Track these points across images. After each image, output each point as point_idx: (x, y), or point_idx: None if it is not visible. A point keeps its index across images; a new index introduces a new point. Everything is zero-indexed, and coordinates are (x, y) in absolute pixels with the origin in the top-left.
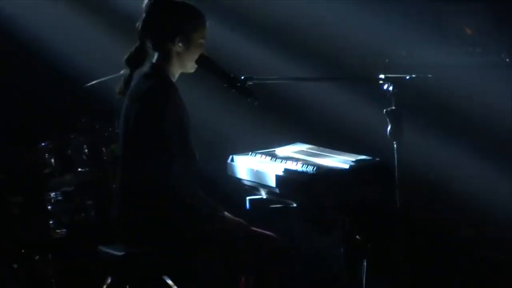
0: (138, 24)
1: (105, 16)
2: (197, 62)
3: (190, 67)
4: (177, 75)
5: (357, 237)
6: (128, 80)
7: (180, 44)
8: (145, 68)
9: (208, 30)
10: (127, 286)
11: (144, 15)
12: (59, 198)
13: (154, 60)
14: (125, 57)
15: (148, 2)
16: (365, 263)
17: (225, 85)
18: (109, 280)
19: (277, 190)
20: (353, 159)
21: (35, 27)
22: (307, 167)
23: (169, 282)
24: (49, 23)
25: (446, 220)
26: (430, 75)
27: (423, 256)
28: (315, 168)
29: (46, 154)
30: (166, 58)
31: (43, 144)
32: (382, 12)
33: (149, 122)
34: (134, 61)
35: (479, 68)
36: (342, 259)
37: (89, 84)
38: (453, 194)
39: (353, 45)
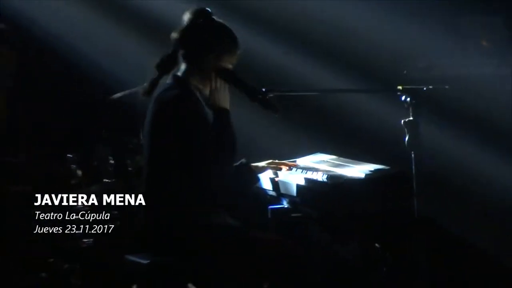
0: (175, 33)
1: (135, 26)
2: (219, 74)
3: None
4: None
5: (376, 245)
6: (154, 82)
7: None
8: (171, 78)
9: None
10: None
11: (184, 25)
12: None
13: (181, 72)
14: (156, 62)
15: (190, 14)
16: (384, 272)
17: (246, 97)
18: None
19: (297, 200)
20: (372, 169)
21: (64, 37)
22: (326, 177)
23: None
24: (77, 32)
25: (468, 229)
26: (447, 86)
27: (443, 264)
28: (334, 178)
29: (73, 166)
30: (193, 71)
31: (69, 155)
32: (401, 24)
33: (177, 131)
34: (163, 68)
35: (496, 80)
36: (360, 268)
37: (115, 96)
38: (476, 200)
39: (375, 55)
